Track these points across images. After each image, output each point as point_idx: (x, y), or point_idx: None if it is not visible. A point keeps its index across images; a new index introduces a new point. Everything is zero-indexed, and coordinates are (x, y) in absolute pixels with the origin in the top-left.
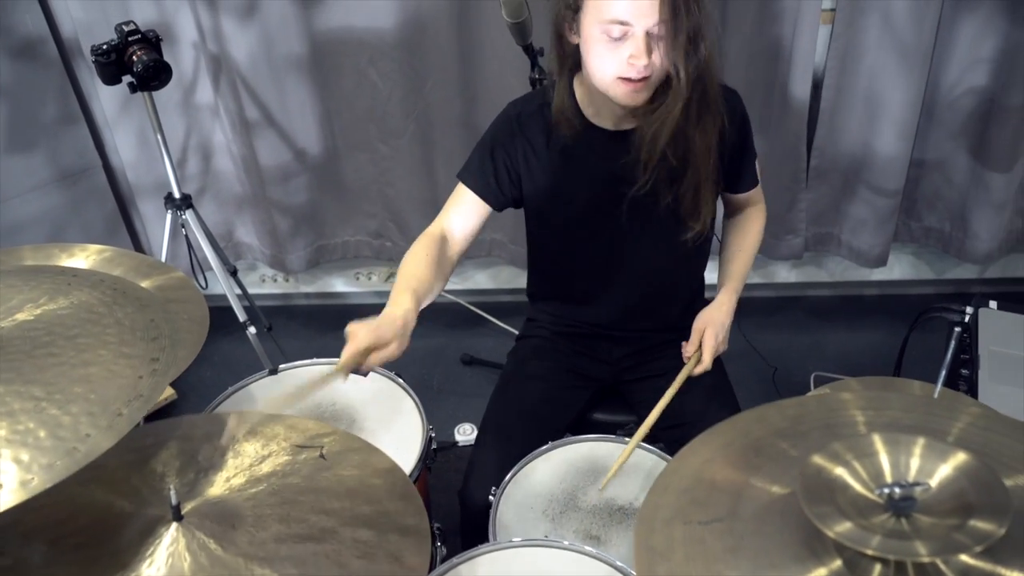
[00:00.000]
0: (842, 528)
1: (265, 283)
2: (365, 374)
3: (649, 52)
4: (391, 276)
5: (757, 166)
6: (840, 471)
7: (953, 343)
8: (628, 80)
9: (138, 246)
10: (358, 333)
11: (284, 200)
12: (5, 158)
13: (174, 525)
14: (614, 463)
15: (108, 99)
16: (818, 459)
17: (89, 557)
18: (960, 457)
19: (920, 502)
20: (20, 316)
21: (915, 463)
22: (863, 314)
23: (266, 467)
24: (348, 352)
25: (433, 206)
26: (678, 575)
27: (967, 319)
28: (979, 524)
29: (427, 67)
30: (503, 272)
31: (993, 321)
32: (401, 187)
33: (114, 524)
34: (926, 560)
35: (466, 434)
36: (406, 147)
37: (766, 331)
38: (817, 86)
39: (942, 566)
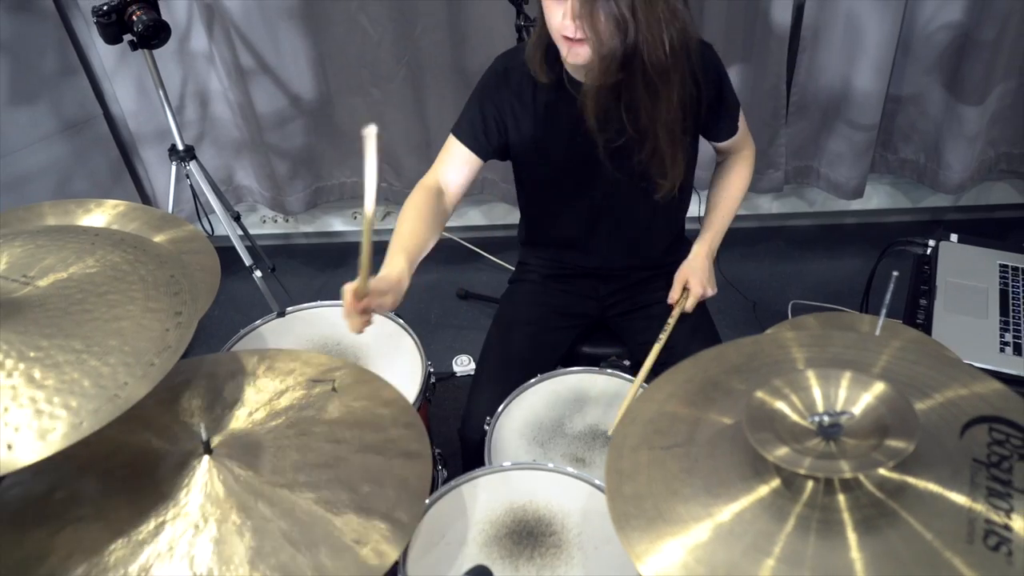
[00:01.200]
0: (780, 452)
1: (266, 224)
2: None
3: (580, 17)
4: (387, 215)
5: (742, 120)
6: (779, 404)
7: (891, 285)
8: (566, 38)
9: (142, 191)
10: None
11: (281, 144)
12: (10, 111)
13: (206, 458)
14: (619, 410)
15: (106, 51)
16: (761, 394)
17: (135, 488)
18: (879, 387)
19: (845, 427)
20: (54, 276)
21: (842, 394)
22: (842, 242)
23: (284, 401)
24: (352, 320)
25: (426, 147)
26: (641, 493)
27: (928, 251)
28: (893, 443)
29: (416, 12)
30: (496, 209)
31: (952, 253)
32: (394, 130)
33: (153, 458)
34: (849, 476)
35: (463, 365)
36: (397, 91)
37: (748, 261)
38: (797, 25)
39: (863, 479)
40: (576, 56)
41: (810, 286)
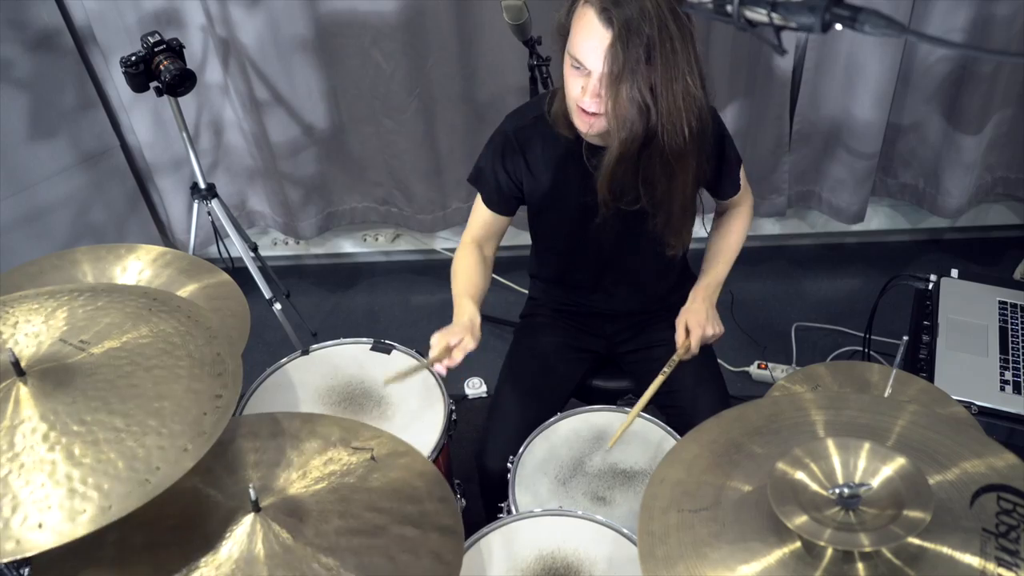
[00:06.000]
0: (802, 522)
1: (277, 246)
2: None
3: (600, 96)
4: (396, 237)
5: (742, 172)
6: (800, 475)
7: (902, 348)
8: (583, 110)
9: (157, 220)
10: (439, 338)
11: (294, 172)
12: (30, 146)
13: (252, 515)
14: (616, 431)
15: (122, 83)
16: (782, 465)
17: (183, 538)
18: (897, 461)
19: (864, 498)
20: (108, 343)
21: (861, 464)
22: (843, 262)
23: (327, 467)
24: (435, 353)
25: (436, 175)
26: (672, 556)
27: (931, 286)
28: (911, 514)
29: (428, 46)
30: None
31: (953, 290)
32: (405, 158)
33: (202, 510)
34: (869, 550)
35: (475, 387)
36: (409, 121)
37: (752, 280)
38: (800, 57)
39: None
40: (590, 127)
41: (813, 304)
